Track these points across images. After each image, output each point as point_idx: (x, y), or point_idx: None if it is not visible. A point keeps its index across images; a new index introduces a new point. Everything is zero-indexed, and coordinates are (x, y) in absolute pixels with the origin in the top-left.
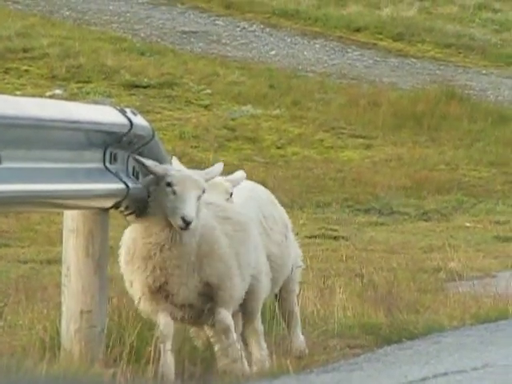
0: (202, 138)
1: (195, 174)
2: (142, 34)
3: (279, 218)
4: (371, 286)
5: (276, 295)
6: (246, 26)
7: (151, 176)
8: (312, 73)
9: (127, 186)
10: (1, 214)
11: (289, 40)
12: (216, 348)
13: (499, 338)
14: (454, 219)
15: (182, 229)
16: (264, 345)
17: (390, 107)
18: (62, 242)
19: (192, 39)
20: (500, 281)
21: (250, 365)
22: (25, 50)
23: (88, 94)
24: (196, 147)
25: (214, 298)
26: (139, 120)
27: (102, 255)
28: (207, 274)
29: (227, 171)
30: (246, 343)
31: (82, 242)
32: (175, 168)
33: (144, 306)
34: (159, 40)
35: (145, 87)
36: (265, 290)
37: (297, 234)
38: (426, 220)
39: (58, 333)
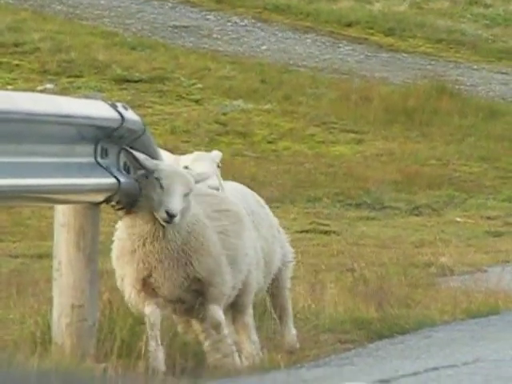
0: (193, 133)
1: (185, 172)
2: (134, 29)
3: (265, 215)
4: (362, 280)
5: (268, 291)
6: (237, 21)
7: (142, 170)
8: (303, 67)
9: (118, 180)
10: None
11: (280, 35)
12: (206, 344)
13: (490, 333)
14: (445, 214)
15: (165, 222)
16: (256, 339)
17: (381, 102)
18: (53, 236)
19: (183, 34)
20: (491, 276)
21: (240, 359)
22: (16, 45)
23: (79, 88)
24: (187, 142)
25: (205, 294)
26: (130, 114)
27: (93, 250)
28: (196, 269)
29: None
30: (237, 337)
31: (73, 236)
32: (166, 163)
33: (134, 299)
34: (150, 35)
35: (136, 82)
36: (256, 282)
37: (288, 228)
38: (417, 215)
39: (50, 327)
